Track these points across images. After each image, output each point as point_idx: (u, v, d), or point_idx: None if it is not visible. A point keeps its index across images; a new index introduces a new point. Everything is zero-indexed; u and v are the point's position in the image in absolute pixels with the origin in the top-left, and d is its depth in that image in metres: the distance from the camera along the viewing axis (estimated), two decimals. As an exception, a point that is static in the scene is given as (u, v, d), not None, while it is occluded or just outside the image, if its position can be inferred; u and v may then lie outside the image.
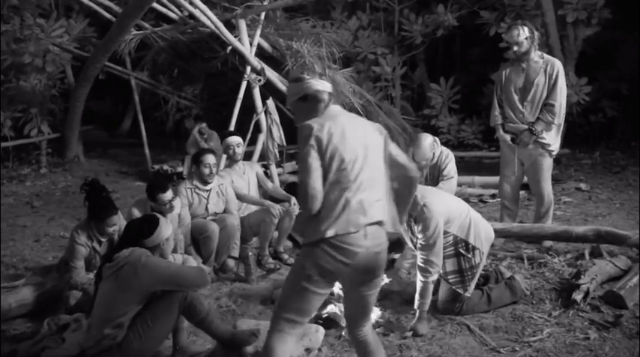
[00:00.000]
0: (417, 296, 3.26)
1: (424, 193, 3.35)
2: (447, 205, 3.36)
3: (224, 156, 5.54)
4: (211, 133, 7.94)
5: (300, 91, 2.38)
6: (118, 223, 3.67)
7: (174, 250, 3.68)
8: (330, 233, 2.16)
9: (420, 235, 3.26)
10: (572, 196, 6.15)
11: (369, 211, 2.21)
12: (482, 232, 3.43)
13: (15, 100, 8.26)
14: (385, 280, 3.68)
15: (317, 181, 2.18)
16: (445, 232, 3.29)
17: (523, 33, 4.24)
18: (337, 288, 3.57)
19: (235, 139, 4.75)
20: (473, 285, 3.38)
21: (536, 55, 4.34)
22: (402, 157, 2.44)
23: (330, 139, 2.20)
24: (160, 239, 2.87)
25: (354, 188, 2.20)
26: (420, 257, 3.27)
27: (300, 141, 2.24)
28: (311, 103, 2.36)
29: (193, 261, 3.74)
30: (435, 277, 3.25)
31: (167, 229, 2.94)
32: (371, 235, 2.22)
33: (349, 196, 2.19)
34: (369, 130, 2.36)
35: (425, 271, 3.23)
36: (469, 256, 3.34)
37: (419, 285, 3.25)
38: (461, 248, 3.34)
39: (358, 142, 2.27)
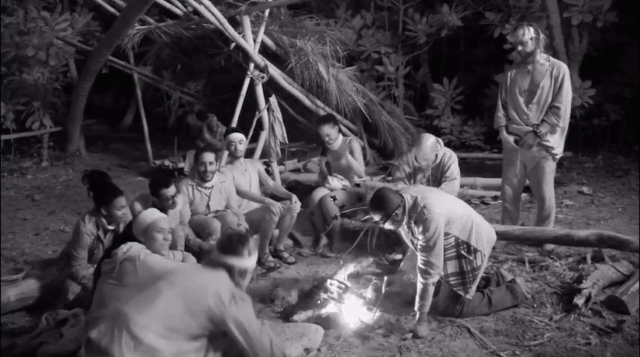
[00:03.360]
0: (417, 298, 3.25)
1: (425, 194, 3.34)
2: (448, 207, 3.34)
3: (226, 152, 5.52)
4: (222, 128, 7.54)
5: None
6: (127, 206, 3.68)
7: (174, 248, 3.67)
8: None
9: (420, 237, 3.25)
10: (574, 200, 6.12)
11: None
12: (484, 234, 3.41)
13: (17, 93, 8.24)
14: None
15: None
16: (446, 234, 3.27)
17: (528, 33, 4.21)
18: (335, 287, 3.57)
19: (237, 136, 4.73)
20: (474, 287, 3.37)
21: (542, 57, 4.30)
22: None
23: None
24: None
25: None
26: (420, 259, 3.25)
27: None
28: None
29: (193, 258, 3.72)
30: (435, 278, 3.24)
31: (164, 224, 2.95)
32: None
33: None
34: None
35: (425, 273, 3.21)
36: (470, 258, 3.32)
37: (419, 287, 3.24)
38: (462, 250, 3.32)
39: None
